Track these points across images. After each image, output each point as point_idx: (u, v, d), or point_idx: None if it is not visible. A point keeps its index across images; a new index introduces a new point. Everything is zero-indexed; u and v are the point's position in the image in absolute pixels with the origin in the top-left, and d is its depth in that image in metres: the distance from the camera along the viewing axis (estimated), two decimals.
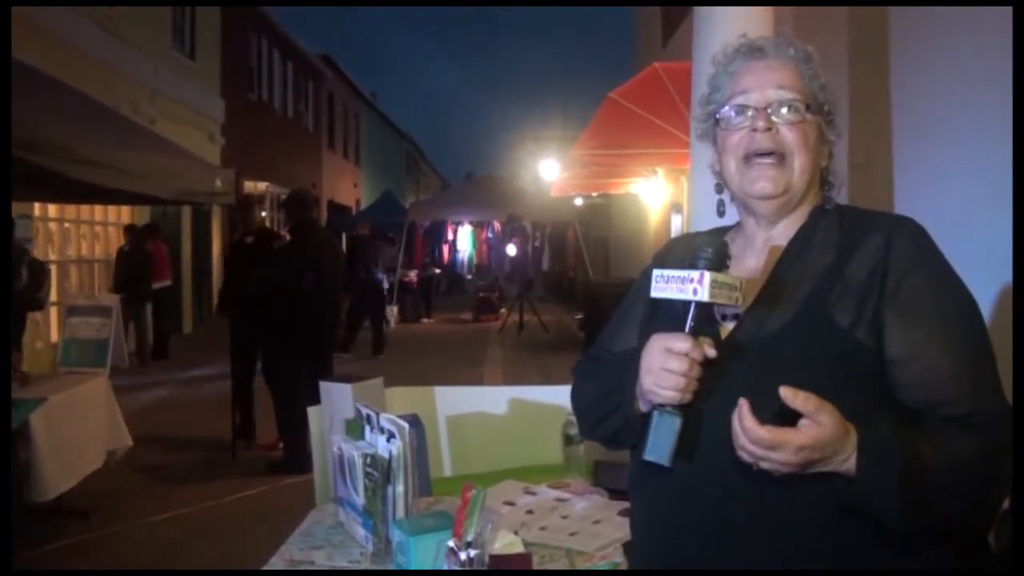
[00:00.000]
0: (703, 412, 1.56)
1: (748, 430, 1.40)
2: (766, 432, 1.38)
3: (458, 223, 26.34)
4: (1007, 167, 3.23)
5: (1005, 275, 3.22)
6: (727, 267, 1.61)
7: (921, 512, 1.42)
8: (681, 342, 1.51)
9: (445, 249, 28.52)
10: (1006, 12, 3.27)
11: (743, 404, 1.41)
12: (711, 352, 1.53)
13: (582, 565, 2.19)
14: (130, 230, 12.97)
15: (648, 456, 1.54)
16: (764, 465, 1.42)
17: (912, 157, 4.45)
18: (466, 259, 31.79)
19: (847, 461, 1.41)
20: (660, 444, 1.53)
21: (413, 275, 20.04)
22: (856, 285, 1.56)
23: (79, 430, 5.64)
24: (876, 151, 4.68)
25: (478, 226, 27.56)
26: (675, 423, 1.52)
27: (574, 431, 2.92)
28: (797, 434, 1.39)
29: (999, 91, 3.50)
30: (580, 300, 18.12)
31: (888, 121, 4.64)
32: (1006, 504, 2.05)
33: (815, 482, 1.47)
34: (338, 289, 7.64)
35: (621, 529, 2.22)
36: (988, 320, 3.20)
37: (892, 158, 4.59)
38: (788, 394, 1.38)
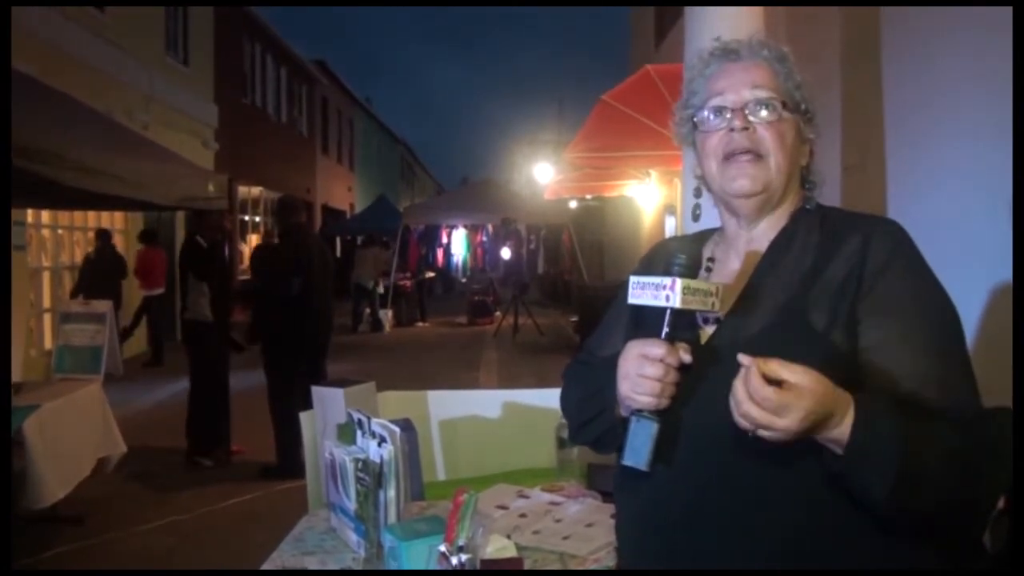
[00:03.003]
0: (682, 417, 1.56)
1: (755, 389, 1.33)
2: (772, 392, 1.32)
3: (452, 227, 26.31)
4: (1001, 167, 3.24)
5: (999, 274, 3.22)
6: (709, 271, 1.61)
7: (908, 492, 1.37)
8: (656, 348, 1.52)
9: (439, 253, 28.49)
10: (999, 12, 3.28)
11: (752, 367, 1.35)
12: (687, 358, 1.53)
13: (575, 568, 2.18)
14: (99, 235, 12.93)
15: (626, 461, 1.54)
16: (764, 434, 1.36)
17: (906, 158, 4.45)
18: (460, 263, 31.76)
19: (842, 422, 1.38)
20: (638, 449, 1.53)
21: (407, 279, 20.03)
22: (833, 287, 1.56)
23: (73, 437, 5.62)
24: (869, 152, 4.69)
25: (472, 229, 27.52)
26: (652, 428, 1.52)
27: (567, 434, 2.91)
28: (800, 398, 1.33)
29: (993, 90, 3.51)
30: (575, 303, 18.14)
31: (881, 122, 4.64)
32: (1001, 504, 2.05)
33: (795, 481, 1.48)
34: (328, 293, 7.64)
35: (614, 532, 2.21)
36: (982, 319, 3.22)
37: (885, 159, 4.59)
38: (759, 363, 1.35)
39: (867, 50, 4.74)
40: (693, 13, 4.38)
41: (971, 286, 3.10)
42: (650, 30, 15.28)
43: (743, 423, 1.38)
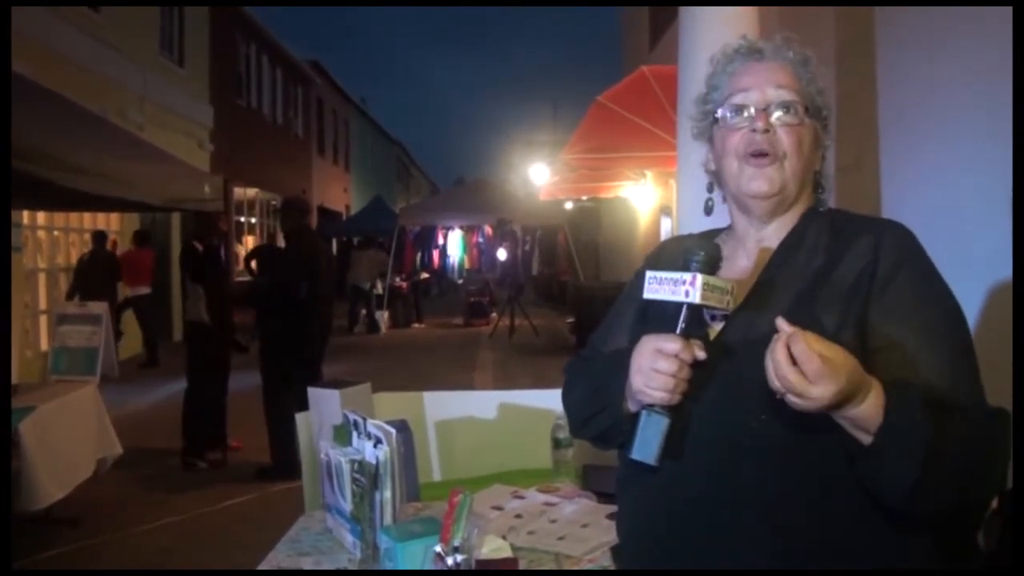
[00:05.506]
0: (691, 412, 1.56)
1: (802, 352, 1.35)
2: (818, 360, 1.34)
3: (448, 228, 26.30)
4: (996, 166, 3.24)
5: (995, 274, 3.23)
6: (719, 269, 1.62)
7: (933, 477, 1.38)
8: (671, 343, 1.52)
9: (435, 254, 28.49)
10: (994, 11, 3.29)
11: (798, 333, 1.36)
12: (701, 354, 1.53)
13: (570, 569, 2.19)
14: (95, 237, 12.94)
15: (635, 456, 1.55)
16: (794, 401, 1.37)
17: (900, 158, 4.46)
18: (456, 263, 31.78)
19: (864, 402, 1.39)
20: (647, 444, 1.54)
21: (403, 280, 20.02)
22: (843, 288, 1.57)
23: (69, 438, 5.61)
24: (864, 153, 4.70)
25: (468, 230, 27.52)
26: (663, 423, 1.53)
27: (563, 435, 2.92)
28: (836, 371, 1.35)
29: (987, 90, 3.51)
30: (571, 304, 18.13)
31: (875, 123, 4.65)
32: (994, 504, 2.06)
33: (800, 479, 1.49)
34: (331, 297, 7.63)
35: (609, 532, 2.22)
36: (980, 318, 3.23)
37: (880, 160, 4.60)
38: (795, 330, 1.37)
39: (861, 50, 4.74)
40: (687, 14, 4.38)
41: (967, 286, 3.10)
42: (645, 31, 15.30)
43: (777, 385, 1.38)
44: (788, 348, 1.36)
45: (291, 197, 8.64)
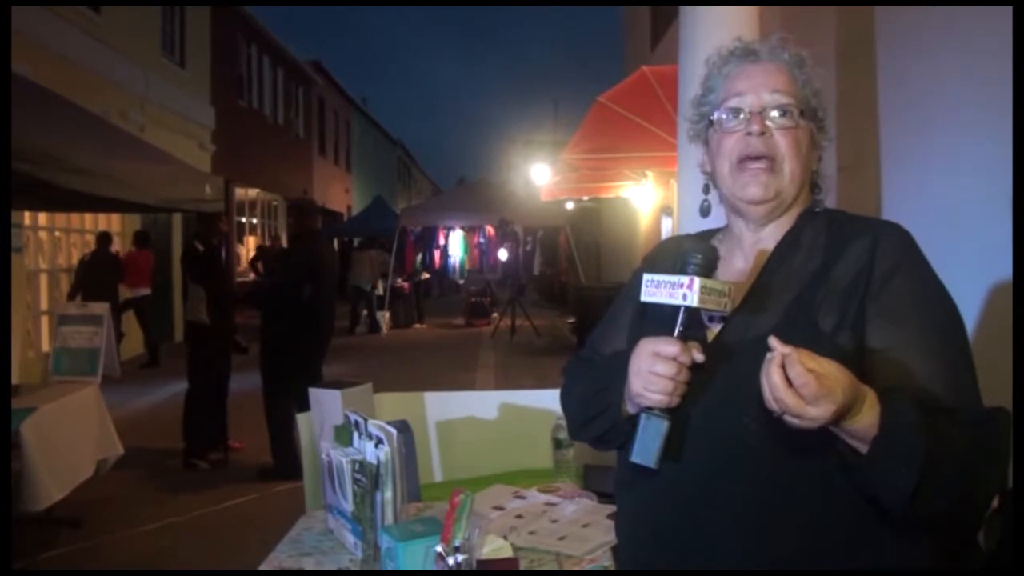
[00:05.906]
0: (690, 415, 1.56)
1: (798, 376, 1.33)
2: (814, 381, 1.33)
3: (449, 228, 26.28)
4: (996, 167, 3.24)
5: (995, 275, 3.23)
6: (716, 271, 1.62)
7: (931, 483, 1.38)
8: (670, 346, 1.51)
9: (436, 254, 28.46)
10: (994, 12, 3.28)
11: (793, 354, 1.35)
12: (699, 357, 1.53)
13: (571, 569, 2.19)
14: (99, 238, 12.95)
15: (635, 458, 1.54)
16: (793, 421, 1.36)
17: (900, 158, 4.46)
18: (458, 264, 31.76)
19: (860, 412, 1.39)
20: (647, 447, 1.53)
21: (403, 281, 20.02)
22: (841, 289, 1.57)
23: (70, 439, 5.61)
24: (864, 154, 4.69)
25: (470, 231, 27.50)
26: (662, 426, 1.52)
27: (563, 435, 2.92)
28: (832, 390, 1.33)
29: (987, 91, 3.51)
30: (572, 304, 18.13)
31: (875, 123, 4.64)
32: (994, 504, 2.06)
33: (798, 480, 1.49)
34: (332, 300, 7.61)
35: (610, 533, 2.22)
36: (978, 320, 3.23)
37: (880, 160, 4.60)
38: (788, 350, 1.36)
39: (861, 50, 4.74)
40: (688, 13, 4.38)
41: (967, 286, 3.10)
42: (646, 31, 15.29)
43: (773, 406, 1.37)
44: (783, 368, 1.36)
45: (299, 200, 8.61)
